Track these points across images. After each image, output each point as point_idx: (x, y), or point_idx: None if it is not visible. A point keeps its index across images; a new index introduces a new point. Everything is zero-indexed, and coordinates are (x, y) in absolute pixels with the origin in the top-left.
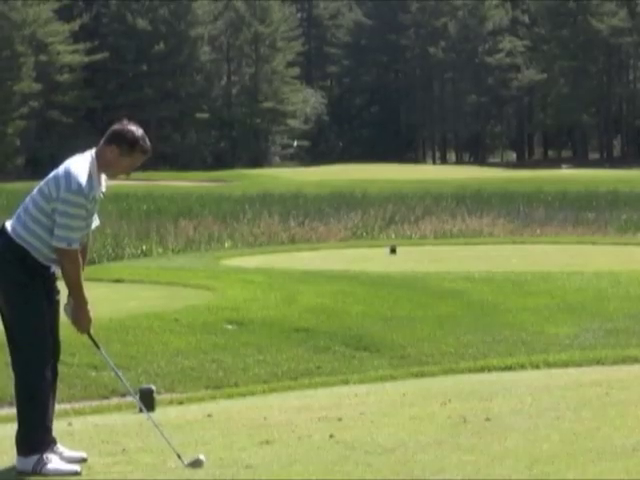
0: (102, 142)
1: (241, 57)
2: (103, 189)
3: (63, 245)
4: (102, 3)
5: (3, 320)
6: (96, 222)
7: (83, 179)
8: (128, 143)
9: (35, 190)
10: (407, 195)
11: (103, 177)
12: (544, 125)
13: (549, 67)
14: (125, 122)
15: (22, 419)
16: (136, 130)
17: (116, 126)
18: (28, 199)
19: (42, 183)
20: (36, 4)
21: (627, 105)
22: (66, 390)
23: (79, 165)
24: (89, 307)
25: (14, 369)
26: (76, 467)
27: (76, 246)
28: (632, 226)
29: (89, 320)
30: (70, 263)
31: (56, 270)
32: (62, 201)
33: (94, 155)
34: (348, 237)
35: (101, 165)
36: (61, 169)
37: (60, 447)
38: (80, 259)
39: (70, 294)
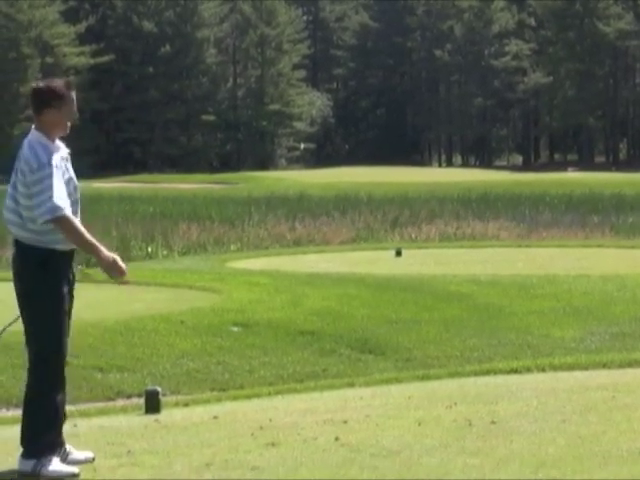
0: (36, 115)
1: (247, 59)
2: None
3: (47, 217)
4: (108, 5)
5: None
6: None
7: (40, 152)
8: (57, 96)
9: None
10: (413, 198)
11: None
12: (550, 128)
13: (555, 70)
14: (34, 84)
15: (33, 419)
16: (50, 81)
17: (34, 92)
18: None
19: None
20: (42, 6)
21: (633, 108)
22: (72, 392)
23: (31, 148)
24: (110, 254)
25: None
26: (74, 469)
27: (61, 213)
28: (638, 229)
29: (118, 265)
30: (68, 232)
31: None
32: (32, 182)
33: (37, 131)
34: (353, 239)
35: (50, 132)
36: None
37: (68, 446)
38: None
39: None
